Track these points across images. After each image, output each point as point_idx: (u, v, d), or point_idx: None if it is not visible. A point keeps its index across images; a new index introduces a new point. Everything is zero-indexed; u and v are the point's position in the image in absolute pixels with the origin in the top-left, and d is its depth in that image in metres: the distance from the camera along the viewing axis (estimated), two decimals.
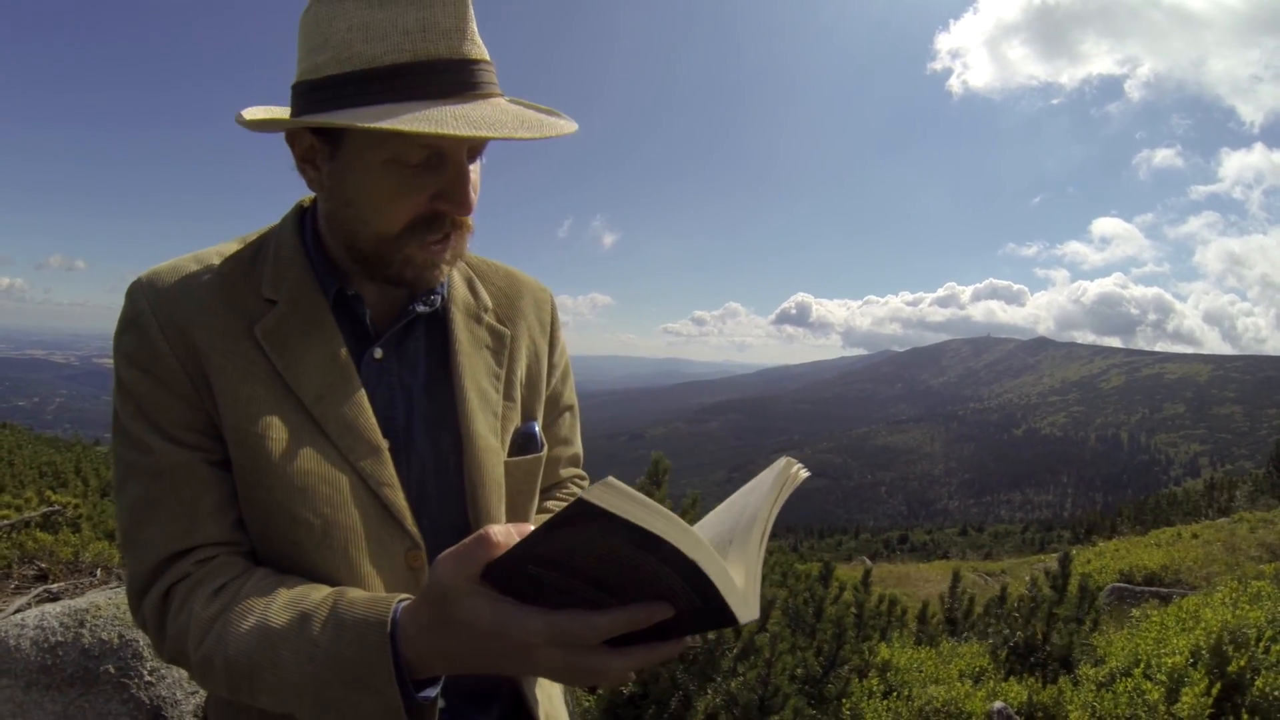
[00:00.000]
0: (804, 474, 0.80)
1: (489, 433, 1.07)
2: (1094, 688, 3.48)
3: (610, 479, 0.62)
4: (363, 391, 1.00)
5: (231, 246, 1.05)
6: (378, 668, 0.77)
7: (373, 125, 0.83)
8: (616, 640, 0.72)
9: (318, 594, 0.85)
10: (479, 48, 0.92)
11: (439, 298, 1.09)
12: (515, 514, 1.11)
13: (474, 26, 0.91)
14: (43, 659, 2.24)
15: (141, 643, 2.27)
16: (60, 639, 2.26)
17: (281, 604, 0.84)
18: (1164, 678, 3.10)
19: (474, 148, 0.95)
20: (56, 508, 5.20)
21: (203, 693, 2.32)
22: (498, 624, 0.72)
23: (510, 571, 0.71)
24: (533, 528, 0.72)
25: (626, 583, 0.68)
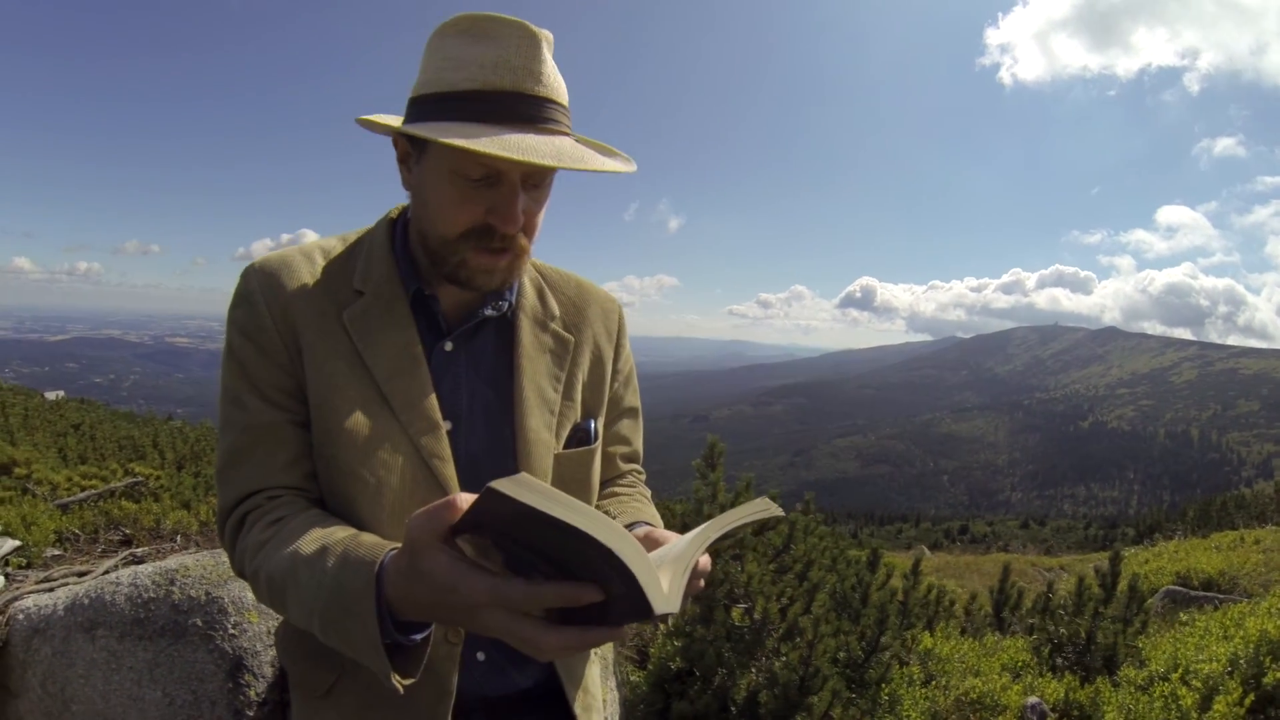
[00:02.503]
0: (778, 512, 0.90)
1: (542, 427, 1.20)
2: (1132, 690, 3.47)
3: (523, 474, 0.70)
4: (429, 377, 1.15)
5: (333, 243, 1.22)
6: (364, 599, 0.88)
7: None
8: (565, 619, 0.80)
9: (341, 533, 0.99)
10: (546, 87, 1.06)
11: (507, 304, 1.24)
12: None
13: (545, 69, 1.06)
14: (136, 613, 2.47)
15: (226, 599, 2.47)
16: (152, 595, 2.49)
17: (312, 537, 0.99)
18: (1199, 684, 3.08)
19: (530, 175, 1.08)
20: (140, 479, 5.55)
21: None
22: (450, 580, 0.80)
23: (474, 535, 0.80)
24: None
25: (571, 562, 0.75)
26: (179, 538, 4.66)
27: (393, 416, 1.12)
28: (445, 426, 1.14)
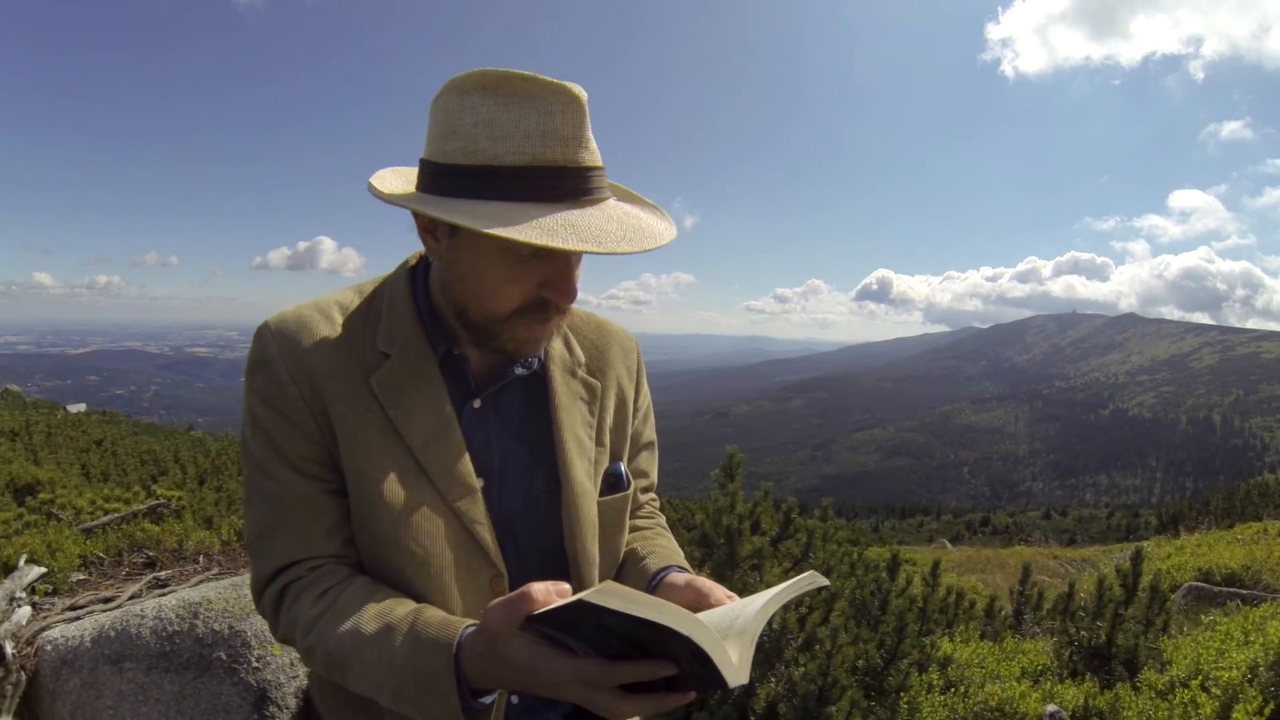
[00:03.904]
0: (823, 581, 0.97)
1: (585, 477, 1.21)
2: (1152, 695, 3.44)
3: (609, 583, 0.77)
4: (462, 441, 1.13)
5: (350, 297, 1.18)
6: (443, 678, 0.92)
7: (490, 231, 0.92)
8: (633, 685, 0.87)
9: (402, 609, 1.01)
10: (593, 154, 1.01)
11: (536, 360, 1.22)
12: (607, 544, 1.25)
13: (589, 134, 1.00)
14: (161, 646, 2.51)
15: (249, 633, 2.52)
16: (177, 629, 2.53)
17: (371, 614, 1.00)
18: (1219, 692, 3.04)
19: None
20: (162, 501, 5.63)
21: (301, 677, 2.56)
22: (532, 663, 0.86)
23: (550, 621, 0.85)
24: (569, 587, 0.88)
25: (644, 641, 0.83)
26: (201, 558, 4.73)
27: (430, 485, 1.10)
28: (479, 486, 1.13)
